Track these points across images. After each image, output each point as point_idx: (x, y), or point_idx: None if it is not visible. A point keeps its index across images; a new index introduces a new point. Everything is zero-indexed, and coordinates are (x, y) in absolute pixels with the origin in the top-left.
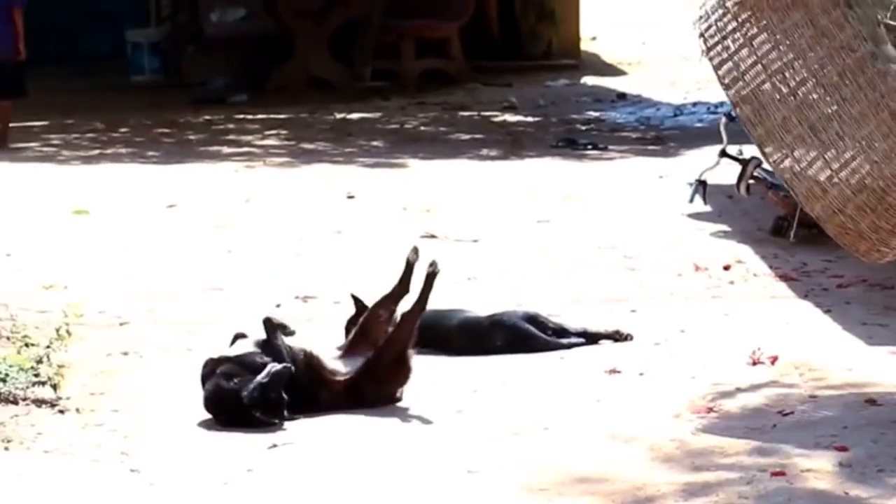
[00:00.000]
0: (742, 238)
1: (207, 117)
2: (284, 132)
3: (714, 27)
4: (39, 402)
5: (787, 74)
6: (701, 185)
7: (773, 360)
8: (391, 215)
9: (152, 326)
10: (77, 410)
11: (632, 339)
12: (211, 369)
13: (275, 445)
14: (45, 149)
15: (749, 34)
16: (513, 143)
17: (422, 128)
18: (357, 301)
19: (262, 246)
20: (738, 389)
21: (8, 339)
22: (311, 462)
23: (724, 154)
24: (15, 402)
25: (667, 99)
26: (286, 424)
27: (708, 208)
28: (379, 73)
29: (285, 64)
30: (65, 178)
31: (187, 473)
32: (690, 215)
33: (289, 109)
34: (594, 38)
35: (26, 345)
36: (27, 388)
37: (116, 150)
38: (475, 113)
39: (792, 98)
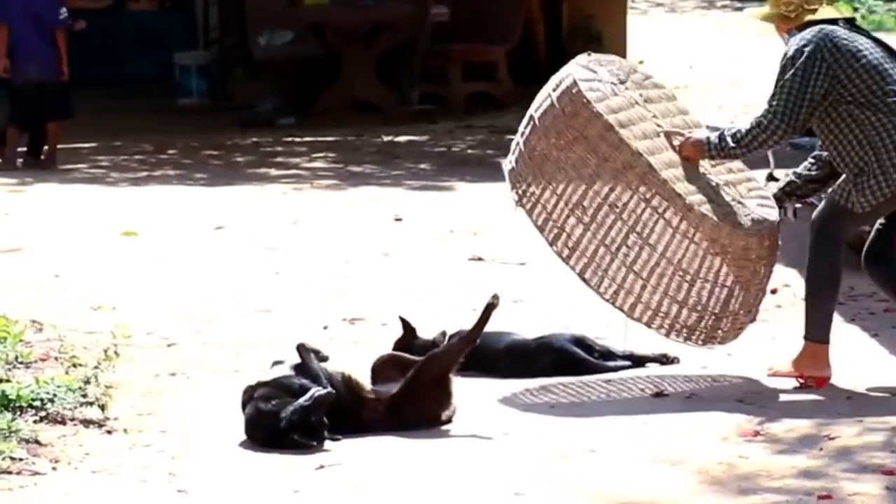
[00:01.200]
0: (789, 262)
1: (255, 140)
2: (332, 155)
3: (520, 176)
4: (87, 423)
5: (585, 206)
6: None
7: (820, 383)
8: (438, 238)
9: (200, 348)
10: (125, 431)
11: (678, 362)
12: (249, 395)
13: (322, 466)
14: (94, 170)
15: (546, 176)
16: None
17: (469, 151)
18: (405, 323)
19: (309, 268)
20: (785, 413)
21: (56, 359)
22: (358, 483)
23: (771, 178)
24: (63, 423)
25: (714, 123)
26: (333, 445)
27: None
28: (426, 96)
29: (332, 87)
30: (113, 199)
31: (234, 494)
32: None
33: (336, 132)
34: (641, 62)
35: (74, 365)
36: (75, 408)
37: (164, 171)
38: None
39: (595, 226)
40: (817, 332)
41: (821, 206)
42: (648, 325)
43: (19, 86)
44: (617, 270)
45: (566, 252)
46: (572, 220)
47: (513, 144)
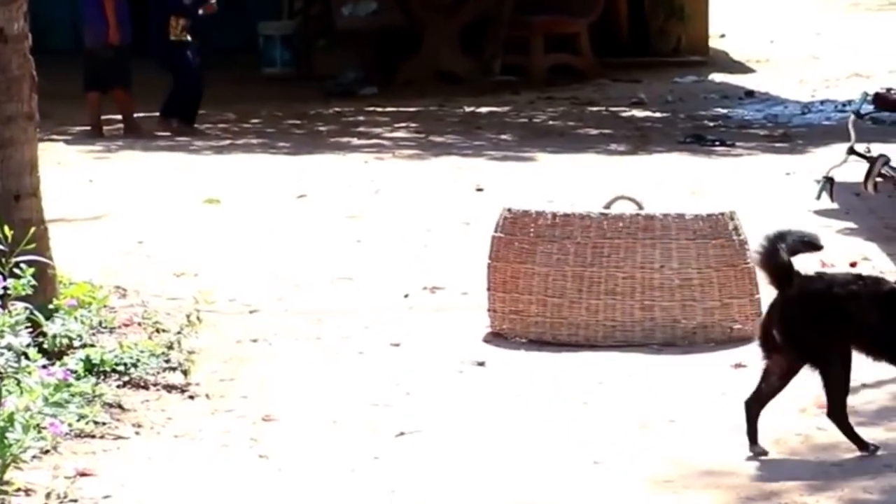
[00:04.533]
0: (869, 235)
1: (337, 109)
2: (414, 125)
3: None
4: (170, 388)
5: None
6: (828, 183)
7: None
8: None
9: (282, 314)
10: (207, 396)
11: None
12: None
13: (402, 433)
14: (178, 138)
15: None
16: (641, 139)
17: (550, 122)
18: None
19: (390, 236)
20: (864, 385)
21: (139, 324)
22: (438, 450)
23: (851, 151)
24: (146, 388)
25: (795, 97)
26: (413, 411)
27: (835, 205)
28: (508, 67)
29: (415, 57)
30: (197, 167)
31: (315, 460)
32: (817, 212)
33: (418, 102)
34: (723, 36)
35: (157, 331)
36: (158, 373)
37: (248, 140)
38: (603, 108)
39: None
40: None
41: None
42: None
43: (84, 53)
44: None
45: None
46: None
47: None
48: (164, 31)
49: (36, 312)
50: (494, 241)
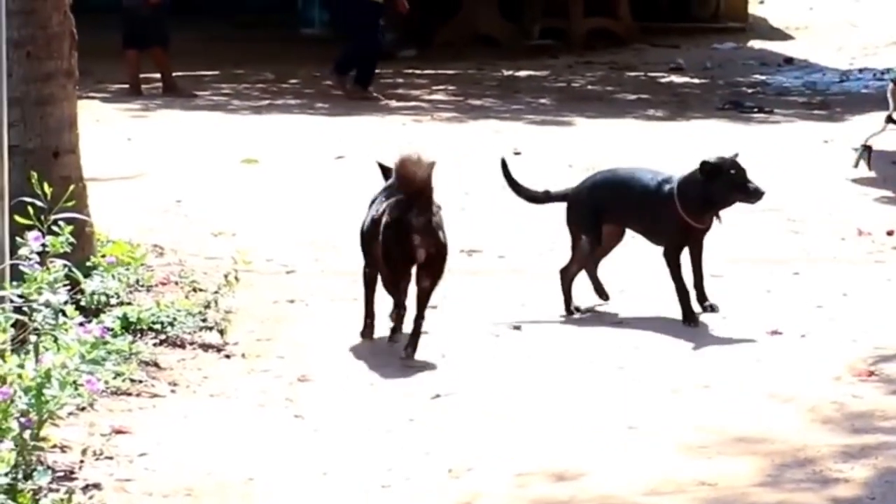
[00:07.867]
0: None
1: (376, 71)
2: (452, 87)
3: None
4: (206, 347)
5: None
6: (866, 151)
7: None
8: (557, 172)
9: (318, 275)
10: (243, 356)
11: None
12: None
13: (437, 395)
14: (216, 98)
15: None
16: (679, 105)
17: (589, 87)
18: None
19: None
20: None
21: (177, 284)
22: (473, 412)
23: (890, 120)
24: (182, 346)
25: (833, 64)
26: (449, 375)
27: (872, 174)
28: (547, 31)
29: (454, 20)
30: (235, 127)
31: (350, 421)
32: (855, 180)
33: (456, 65)
34: (762, 2)
35: (194, 290)
36: (194, 332)
37: (286, 101)
38: (642, 73)
39: None
40: None
41: None
42: None
43: (123, 11)
44: None
45: None
46: None
47: None
48: None
49: (74, 270)
50: None
